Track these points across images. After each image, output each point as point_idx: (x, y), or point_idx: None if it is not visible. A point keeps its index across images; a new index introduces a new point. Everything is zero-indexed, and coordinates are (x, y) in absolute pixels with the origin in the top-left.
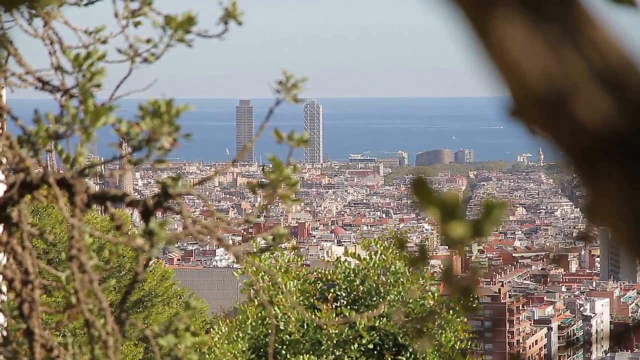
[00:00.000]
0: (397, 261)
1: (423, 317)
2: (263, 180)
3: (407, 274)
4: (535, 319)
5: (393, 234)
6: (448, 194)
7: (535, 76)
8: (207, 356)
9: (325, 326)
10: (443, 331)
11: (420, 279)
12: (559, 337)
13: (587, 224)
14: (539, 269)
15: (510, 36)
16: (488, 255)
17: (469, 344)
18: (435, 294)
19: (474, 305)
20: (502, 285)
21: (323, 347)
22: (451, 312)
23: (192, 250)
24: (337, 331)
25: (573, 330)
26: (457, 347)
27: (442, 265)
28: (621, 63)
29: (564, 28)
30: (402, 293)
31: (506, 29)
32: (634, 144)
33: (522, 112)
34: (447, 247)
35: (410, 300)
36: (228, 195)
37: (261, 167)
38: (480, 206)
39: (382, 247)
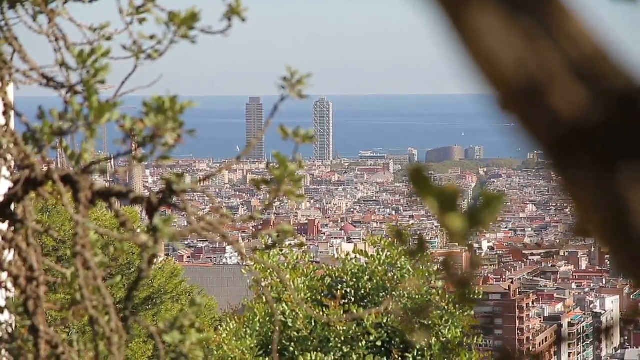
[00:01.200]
0: (402, 257)
1: (419, 309)
2: (268, 177)
3: (412, 270)
4: (545, 315)
5: (394, 228)
6: (446, 185)
7: (511, 67)
8: (215, 353)
9: (333, 323)
10: (449, 327)
11: (426, 274)
12: (569, 334)
13: (580, 218)
14: (549, 265)
15: (485, 27)
16: (498, 251)
17: (476, 339)
18: (441, 290)
19: (473, 298)
20: (512, 282)
21: (331, 344)
22: (457, 307)
23: (202, 247)
24: (344, 328)
25: (583, 327)
26: (464, 343)
27: (439, 264)
28: (596, 54)
29: (539, 19)
30: (408, 289)
31: (481, 19)
32: (610, 134)
33: (505, 104)
34: (448, 239)
35: (417, 296)
36: (238, 193)
37: (266, 164)
38: (479, 198)
39: (386, 244)
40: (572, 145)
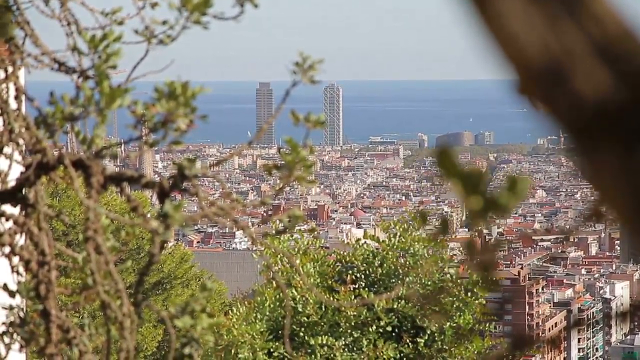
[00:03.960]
0: (416, 243)
1: (435, 292)
2: (279, 162)
3: (426, 255)
4: (555, 301)
5: (412, 215)
6: (472, 167)
7: (534, 49)
8: (225, 337)
9: (343, 308)
10: (461, 313)
11: (439, 261)
12: (578, 319)
13: (596, 201)
14: (559, 251)
15: (508, 9)
16: (507, 237)
17: (488, 326)
18: (454, 276)
19: (495, 281)
20: (522, 268)
21: (341, 329)
22: (469, 294)
23: (211, 232)
24: (355, 313)
25: (593, 312)
26: (476, 329)
27: (462, 246)
28: (620, 35)
29: (562, 0)
30: (420, 275)
31: (505, 1)
32: (634, 116)
33: (525, 88)
34: (468, 223)
35: (429, 282)
36: (248, 178)
37: (277, 149)
38: (504, 180)
39: (401, 229)
40: (596, 127)
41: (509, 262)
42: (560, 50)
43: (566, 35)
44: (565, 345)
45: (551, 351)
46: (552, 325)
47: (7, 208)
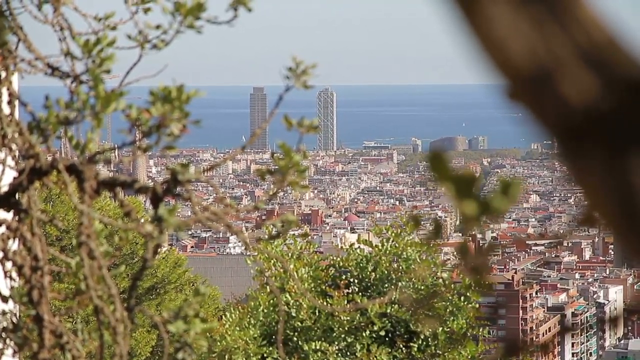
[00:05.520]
0: (409, 248)
1: (429, 296)
2: (273, 167)
3: (419, 260)
4: (549, 306)
5: (404, 220)
6: (464, 171)
7: (521, 54)
8: (219, 343)
9: (336, 313)
10: (455, 317)
11: (432, 265)
12: (568, 325)
13: (588, 206)
14: (553, 255)
15: (496, 14)
16: (501, 241)
17: (481, 330)
18: (447, 281)
19: (488, 284)
20: (516, 272)
21: (334, 334)
22: (462, 298)
23: (205, 237)
24: (348, 318)
25: (586, 317)
26: (469, 334)
27: (455, 250)
28: (606, 41)
29: (549, 6)
30: (413, 279)
31: (492, 7)
32: (620, 121)
33: (513, 93)
34: (461, 226)
35: (422, 287)
36: (242, 183)
37: (271, 154)
38: (496, 183)
39: (393, 234)
40: (583, 132)
41: (502, 267)
42: (548, 55)
43: (553, 41)
44: (559, 350)
45: (544, 356)
46: (546, 330)
47: (0, 213)
